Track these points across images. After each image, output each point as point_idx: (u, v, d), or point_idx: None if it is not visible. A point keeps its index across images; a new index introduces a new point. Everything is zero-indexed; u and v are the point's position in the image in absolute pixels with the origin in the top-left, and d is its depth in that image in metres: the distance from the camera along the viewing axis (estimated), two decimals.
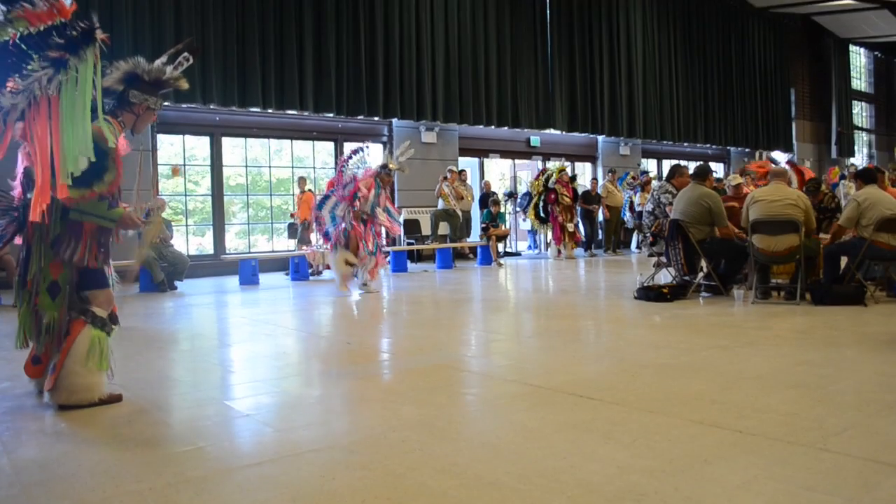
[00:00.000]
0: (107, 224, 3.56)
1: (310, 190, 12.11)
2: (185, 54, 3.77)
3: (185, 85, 3.89)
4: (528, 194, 14.75)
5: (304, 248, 11.57)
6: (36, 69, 3.06)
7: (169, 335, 6.12)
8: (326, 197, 8.90)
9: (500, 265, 13.00)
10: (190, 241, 12.88)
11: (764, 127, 22.48)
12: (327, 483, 2.46)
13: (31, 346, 3.64)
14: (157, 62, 3.78)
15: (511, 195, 16.11)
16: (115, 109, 3.69)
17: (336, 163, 13.06)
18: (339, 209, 8.66)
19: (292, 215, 12.34)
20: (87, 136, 3.08)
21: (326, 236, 8.85)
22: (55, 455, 2.82)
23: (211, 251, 12.68)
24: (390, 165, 9.01)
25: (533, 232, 15.31)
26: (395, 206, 9.39)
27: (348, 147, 13.95)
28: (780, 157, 21.37)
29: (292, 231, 12.37)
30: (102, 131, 3.36)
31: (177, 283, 9.72)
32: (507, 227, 14.96)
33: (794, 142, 24.00)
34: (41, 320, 3.53)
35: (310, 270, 11.16)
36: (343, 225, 8.61)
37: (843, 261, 6.94)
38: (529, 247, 16.75)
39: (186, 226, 12.96)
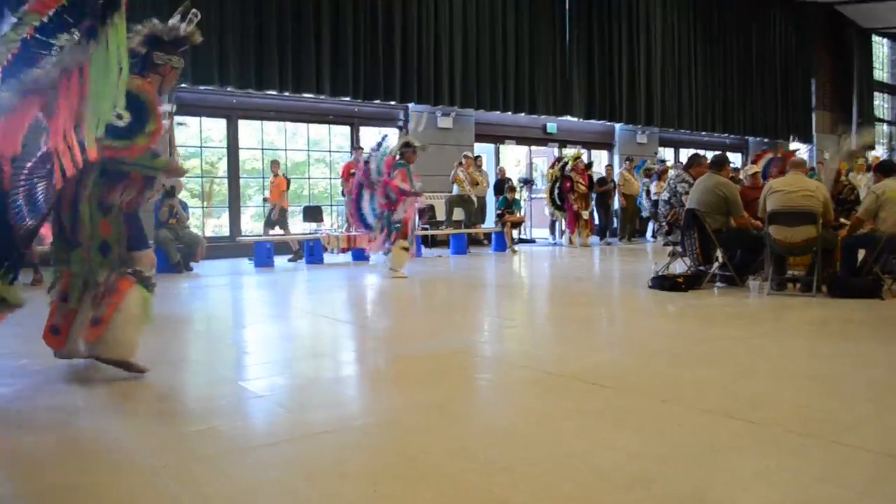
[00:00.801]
0: (152, 173, 3.68)
1: (283, 174, 12.02)
2: (193, 10, 3.86)
3: (198, 38, 3.94)
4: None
5: (272, 231, 11.58)
6: (64, 43, 3.11)
7: (184, 316, 6.17)
8: (359, 195, 8.95)
9: (514, 252, 12.99)
10: (206, 223, 12.95)
11: (783, 117, 22.24)
12: (340, 464, 2.48)
13: (49, 316, 3.69)
14: (171, 22, 3.84)
15: (527, 182, 16.06)
16: (141, 73, 3.75)
17: (351, 150, 13.13)
18: (376, 202, 8.76)
19: (265, 199, 12.25)
20: (118, 90, 3.14)
21: (368, 227, 8.98)
22: (72, 431, 2.86)
23: (227, 233, 12.75)
24: (414, 144, 8.93)
25: (555, 220, 15.22)
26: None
27: (364, 131, 14.08)
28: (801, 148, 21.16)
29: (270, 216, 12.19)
30: (144, 84, 3.50)
31: (192, 264, 9.78)
32: (523, 213, 14.92)
33: (814, 132, 23.74)
34: (89, 279, 3.59)
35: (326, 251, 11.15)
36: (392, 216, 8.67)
37: (861, 253, 6.88)
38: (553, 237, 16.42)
39: (203, 207, 13.03)
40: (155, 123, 3.61)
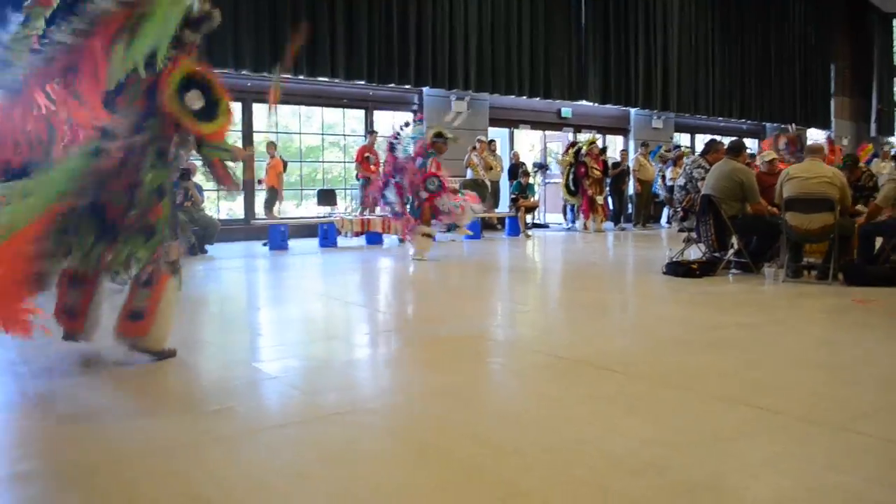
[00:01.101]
0: (228, 157, 3.78)
1: (280, 156, 12.04)
2: None
3: (217, 16, 3.82)
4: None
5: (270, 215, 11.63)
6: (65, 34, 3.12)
7: (199, 298, 6.21)
8: (387, 183, 9.00)
9: (528, 237, 12.97)
10: (220, 206, 13.01)
11: (801, 103, 21.98)
12: (352, 445, 2.50)
13: (59, 297, 3.65)
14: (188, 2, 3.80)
15: (541, 166, 15.99)
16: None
17: (365, 133, 13.13)
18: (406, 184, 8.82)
19: (259, 181, 12.25)
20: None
21: (396, 215, 9.15)
22: (88, 411, 2.90)
23: (241, 216, 12.80)
24: (447, 135, 8.97)
25: (572, 207, 15.17)
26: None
27: (379, 115, 14.06)
28: (819, 134, 20.94)
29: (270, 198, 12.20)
30: (205, 68, 3.56)
31: (207, 246, 9.83)
32: (537, 198, 14.88)
33: (833, 118, 23.46)
34: (130, 263, 3.60)
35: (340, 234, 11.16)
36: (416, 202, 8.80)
37: (879, 241, 6.82)
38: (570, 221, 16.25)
39: (217, 190, 13.05)
40: (227, 106, 3.63)
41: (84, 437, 2.59)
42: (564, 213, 15.30)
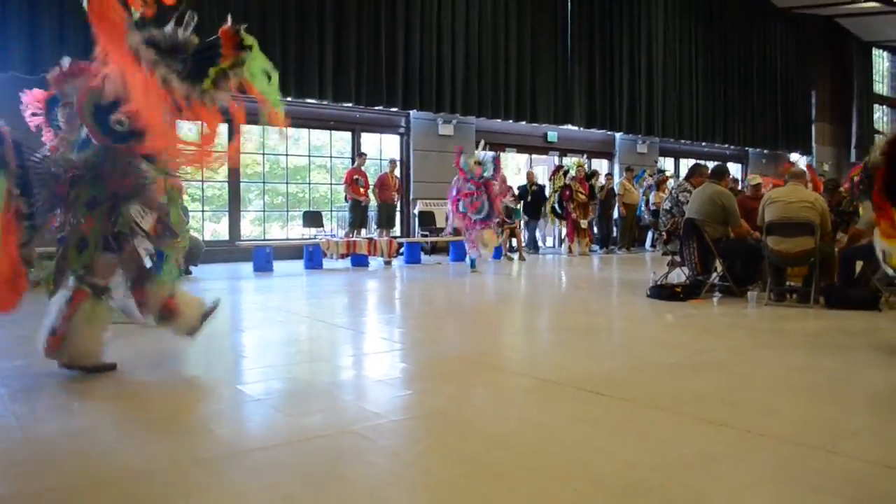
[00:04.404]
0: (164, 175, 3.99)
1: None
2: (190, 12, 3.92)
3: (195, 43, 3.99)
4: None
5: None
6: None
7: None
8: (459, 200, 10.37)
9: (510, 259, 13.01)
10: (206, 227, 12.96)
11: (783, 128, 22.31)
12: (336, 468, 2.48)
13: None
14: (167, 28, 3.84)
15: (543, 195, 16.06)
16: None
17: (353, 156, 13.15)
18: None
19: None
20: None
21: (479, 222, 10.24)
22: (68, 433, 2.85)
23: (226, 237, 12.75)
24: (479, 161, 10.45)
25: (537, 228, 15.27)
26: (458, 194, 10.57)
27: (366, 137, 14.11)
28: (800, 160, 21.19)
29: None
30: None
31: (191, 268, 9.78)
32: (522, 223, 14.94)
33: (814, 144, 23.79)
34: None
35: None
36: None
37: (859, 265, 6.88)
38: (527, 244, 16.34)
39: (203, 211, 13.02)
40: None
41: (63, 460, 2.55)
42: (533, 237, 15.34)
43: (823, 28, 23.87)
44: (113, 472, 2.43)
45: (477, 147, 10.95)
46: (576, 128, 16.97)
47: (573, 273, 10.87)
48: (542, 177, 16.27)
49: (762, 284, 7.08)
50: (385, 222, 12.92)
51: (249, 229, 13.87)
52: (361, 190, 12.51)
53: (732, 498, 2.21)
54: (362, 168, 12.79)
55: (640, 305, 6.87)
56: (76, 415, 3.13)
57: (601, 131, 17.69)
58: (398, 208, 14.18)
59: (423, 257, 13.00)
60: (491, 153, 10.89)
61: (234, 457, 2.60)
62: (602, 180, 15.79)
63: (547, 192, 14.86)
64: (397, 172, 13.38)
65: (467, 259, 10.60)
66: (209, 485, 2.34)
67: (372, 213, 13.16)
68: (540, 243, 15.93)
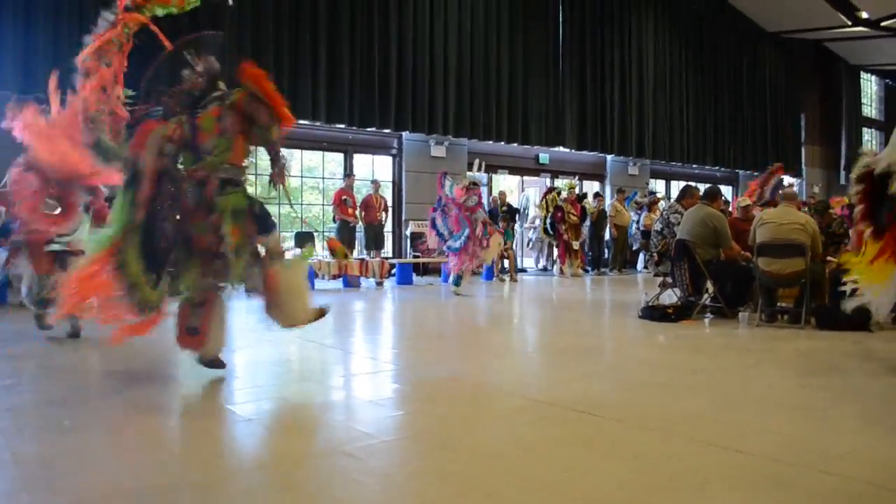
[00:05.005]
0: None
1: None
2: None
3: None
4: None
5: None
6: None
7: (171, 338, 6.13)
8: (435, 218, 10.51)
9: (501, 280, 13.01)
10: None
11: (773, 151, 22.46)
12: (326, 489, 2.47)
13: (179, 323, 4.10)
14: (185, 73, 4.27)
15: (516, 211, 16.10)
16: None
17: (344, 176, 13.16)
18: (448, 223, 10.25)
19: None
20: None
21: (452, 250, 10.24)
22: (57, 452, 2.83)
23: None
24: (480, 183, 10.70)
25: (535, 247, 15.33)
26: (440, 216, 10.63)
27: (358, 158, 14.15)
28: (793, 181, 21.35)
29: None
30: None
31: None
32: (514, 244, 14.95)
33: (804, 167, 23.98)
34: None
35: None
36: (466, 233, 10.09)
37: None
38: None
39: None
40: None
41: (51, 478, 2.53)
42: (537, 259, 15.38)
43: (812, 52, 24.16)
44: (103, 491, 2.41)
45: (470, 168, 11.01)
46: (567, 150, 17.06)
47: (565, 294, 10.88)
48: (535, 198, 16.32)
49: (753, 305, 7.10)
50: (373, 244, 12.90)
51: None
52: (350, 210, 12.51)
53: None
54: (351, 188, 12.81)
55: (632, 326, 6.88)
56: (66, 434, 3.10)
57: (592, 153, 17.79)
58: (388, 229, 14.19)
59: (415, 278, 12.99)
60: (483, 174, 10.95)
61: (225, 477, 2.59)
62: (592, 202, 15.83)
63: (533, 214, 14.91)
64: (383, 192, 13.40)
65: (451, 277, 10.36)
66: None
67: (359, 235, 13.13)
68: (520, 265, 15.96)
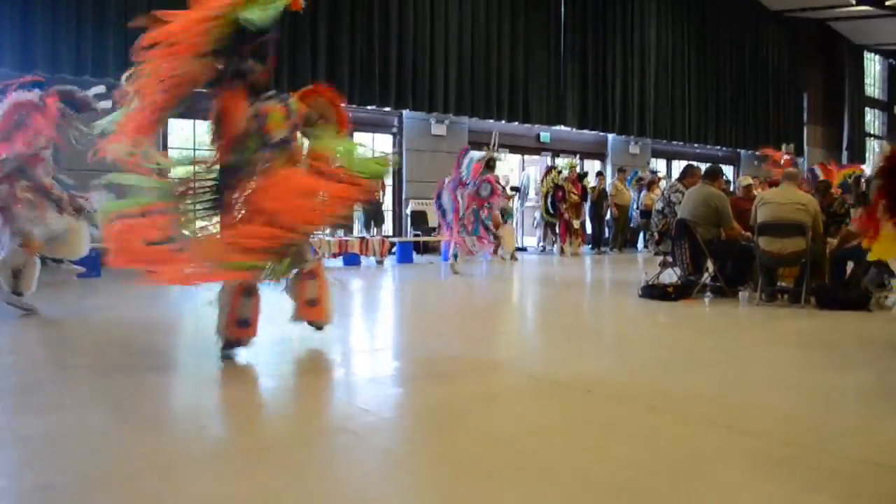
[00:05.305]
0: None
1: None
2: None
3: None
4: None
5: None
6: None
7: (173, 318, 6.15)
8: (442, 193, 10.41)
9: (501, 259, 13.00)
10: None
11: (775, 130, 22.37)
12: (329, 466, 2.48)
13: (230, 311, 4.07)
14: None
15: (517, 190, 16.06)
16: None
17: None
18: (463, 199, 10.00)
19: None
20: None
21: (447, 222, 10.28)
22: (59, 430, 2.84)
23: None
24: (498, 158, 10.61)
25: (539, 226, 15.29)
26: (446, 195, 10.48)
27: (358, 137, 14.05)
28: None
29: None
30: None
31: None
32: (514, 222, 14.92)
33: (805, 146, 23.88)
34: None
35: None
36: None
37: (850, 266, 6.91)
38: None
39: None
40: None
41: (53, 458, 2.54)
42: (544, 236, 15.35)
43: (816, 31, 23.98)
44: (104, 468, 2.42)
45: (488, 147, 10.79)
46: (568, 128, 16.99)
47: (565, 273, 10.88)
48: (536, 176, 16.27)
49: (753, 285, 7.10)
50: (371, 222, 12.84)
51: None
52: None
53: (724, 497, 2.21)
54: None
55: (632, 305, 6.88)
56: (67, 411, 3.11)
57: (593, 132, 17.71)
58: (388, 208, 14.17)
59: (416, 257, 12.98)
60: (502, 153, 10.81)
61: (225, 455, 2.59)
62: (593, 180, 15.77)
63: (534, 192, 14.86)
64: None
65: (451, 251, 10.17)
66: (200, 484, 2.33)
67: (358, 214, 13.07)
68: (518, 244, 15.93)
